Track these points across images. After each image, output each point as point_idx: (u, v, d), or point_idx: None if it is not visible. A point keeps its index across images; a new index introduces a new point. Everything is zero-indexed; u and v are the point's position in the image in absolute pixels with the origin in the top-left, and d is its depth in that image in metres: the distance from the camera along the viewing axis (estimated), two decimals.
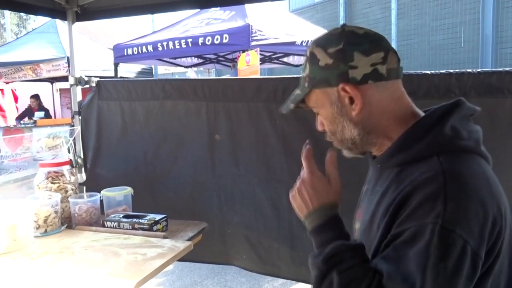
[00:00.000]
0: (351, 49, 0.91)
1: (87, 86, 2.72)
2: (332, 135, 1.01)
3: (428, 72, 2.08)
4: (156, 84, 2.55)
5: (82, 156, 2.72)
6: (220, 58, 7.65)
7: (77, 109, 2.70)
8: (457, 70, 2.05)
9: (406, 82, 2.08)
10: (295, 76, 2.34)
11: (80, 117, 2.71)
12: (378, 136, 0.96)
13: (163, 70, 13.55)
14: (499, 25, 8.32)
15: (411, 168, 0.86)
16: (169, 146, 2.55)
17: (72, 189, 2.25)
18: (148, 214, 2.09)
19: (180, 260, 2.60)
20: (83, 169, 2.75)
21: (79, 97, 2.72)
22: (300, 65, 8.17)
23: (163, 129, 2.55)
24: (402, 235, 0.78)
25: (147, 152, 2.60)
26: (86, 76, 2.69)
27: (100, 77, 2.89)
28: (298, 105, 1.04)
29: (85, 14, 2.69)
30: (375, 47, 0.93)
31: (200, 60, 7.84)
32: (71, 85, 2.70)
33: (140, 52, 6.19)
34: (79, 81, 2.65)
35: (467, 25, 8.72)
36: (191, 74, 7.97)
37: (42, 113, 8.50)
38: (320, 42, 0.96)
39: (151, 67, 9.92)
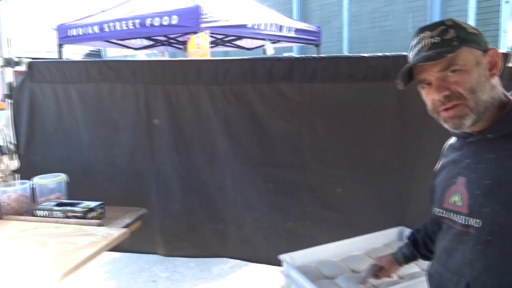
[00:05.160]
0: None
1: (19, 67, 2.55)
2: (472, 93, 1.05)
3: (366, 55, 2.10)
4: (92, 65, 2.43)
5: (14, 142, 2.56)
6: (172, 40, 7.44)
7: (7, 92, 2.53)
8: (393, 54, 2.08)
9: (345, 65, 2.13)
10: (235, 58, 2.31)
11: (11, 101, 2.55)
12: (494, 106, 1.07)
13: (115, 53, 13.06)
14: (445, 11, 8.58)
15: None
16: (105, 131, 2.45)
17: (1, 177, 2.13)
18: (83, 202, 2.01)
19: (119, 250, 2.56)
20: (16, 155, 2.60)
21: (9, 79, 2.55)
22: (254, 48, 8.14)
23: (99, 113, 2.44)
24: None
25: (82, 138, 2.49)
26: (16, 57, 2.52)
27: (44, 59, 2.73)
28: (408, 80, 1.14)
29: None
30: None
31: (151, 42, 7.60)
32: (1, 66, 2.52)
33: (86, 33, 5.90)
34: (8, 62, 2.48)
35: (415, 11, 8.94)
36: (142, 57, 7.73)
37: None
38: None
39: (100, 49, 9.55)
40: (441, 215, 1.18)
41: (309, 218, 2.25)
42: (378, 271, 1.64)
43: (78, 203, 1.99)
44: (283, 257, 1.86)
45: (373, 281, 1.71)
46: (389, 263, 1.63)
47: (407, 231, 2.10)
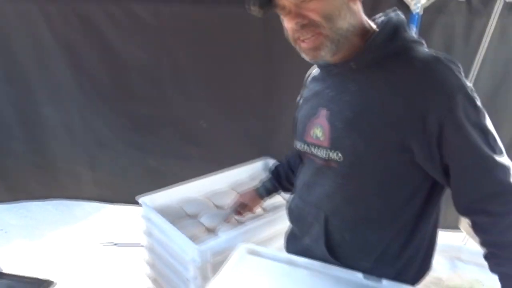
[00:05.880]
0: None
1: None
2: (329, 21, 0.95)
3: None
4: None
5: None
6: None
7: None
8: None
9: None
10: None
11: None
12: (356, 35, 0.99)
13: None
14: None
15: (395, 60, 0.96)
16: None
17: None
18: None
19: None
20: None
21: None
22: None
23: None
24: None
25: None
26: None
27: None
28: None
29: None
30: None
31: None
32: None
33: None
34: None
35: None
36: None
37: None
38: None
39: None
40: (303, 149, 1.14)
41: (171, 154, 2.12)
42: (241, 207, 1.59)
43: None
44: (141, 199, 1.72)
45: (237, 217, 1.67)
46: (251, 199, 1.58)
47: (272, 162, 2.10)
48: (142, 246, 1.77)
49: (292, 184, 1.42)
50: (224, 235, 1.52)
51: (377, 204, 1.02)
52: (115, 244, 2.73)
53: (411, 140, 0.93)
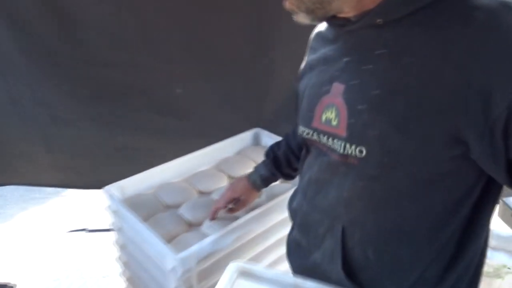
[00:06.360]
0: None
1: None
2: None
3: None
4: None
5: None
6: None
7: None
8: None
9: None
10: None
11: None
12: None
13: None
14: None
15: (442, 10, 0.67)
16: None
17: None
18: None
19: None
20: None
21: None
22: None
23: None
24: None
25: None
26: None
27: None
28: None
29: None
30: None
31: None
32: None
33: None
34: None
35: None
36: None
37: None
38: None
39: None
40: (309, 137, 0.85)
41: (144, 128, 1.82)
42: (234, 203, 1.30)
43: None
44: (107, 189, 1.42)
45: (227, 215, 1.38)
46: (245, 191, 1.30)
47: (264, 134, 1.82)
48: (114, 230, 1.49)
49: (295, 170, 1.16)
50: (211, 235, 1.23)
51: (412, 214, 0.76)
52: (84, 230, 2.49)
53: (466, 128, 0.64)
